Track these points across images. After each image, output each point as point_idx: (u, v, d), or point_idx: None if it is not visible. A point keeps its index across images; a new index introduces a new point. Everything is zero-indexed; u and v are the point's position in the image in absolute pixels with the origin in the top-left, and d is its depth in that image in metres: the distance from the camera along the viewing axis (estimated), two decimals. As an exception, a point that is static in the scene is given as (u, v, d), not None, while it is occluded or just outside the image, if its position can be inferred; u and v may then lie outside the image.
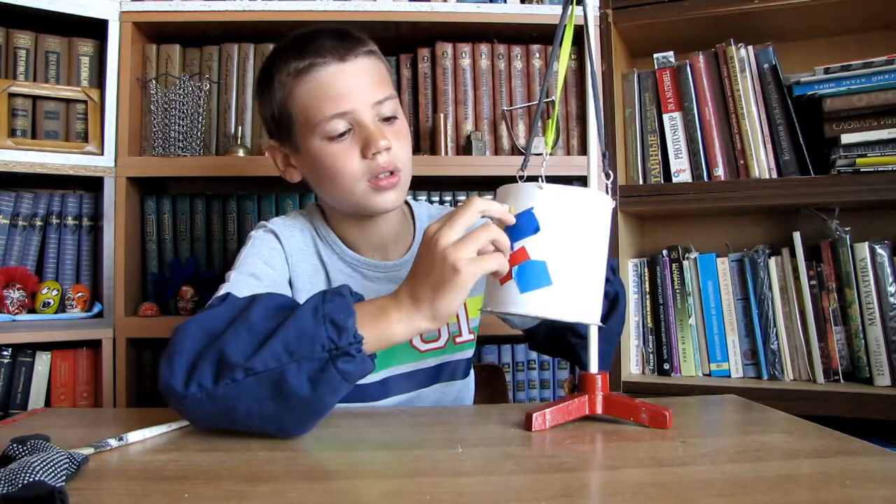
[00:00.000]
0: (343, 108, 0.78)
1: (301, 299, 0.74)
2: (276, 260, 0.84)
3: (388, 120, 0.82)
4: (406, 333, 0.63)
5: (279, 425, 0.62)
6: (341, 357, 0.59)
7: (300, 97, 0.80)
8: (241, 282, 0.77)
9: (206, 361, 0.60)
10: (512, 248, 0.62)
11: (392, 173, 0.81)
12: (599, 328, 0.72)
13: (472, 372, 1.01)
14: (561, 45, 0.67)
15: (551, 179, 0.63)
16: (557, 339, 0.92)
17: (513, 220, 0.63)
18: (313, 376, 0.59)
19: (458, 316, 0.93)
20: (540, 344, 0.99)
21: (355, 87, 0.79)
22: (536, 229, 0.62)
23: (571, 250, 0.62)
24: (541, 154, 1.32)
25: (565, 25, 0.68)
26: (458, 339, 0.93)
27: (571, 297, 0.62)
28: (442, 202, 1.35)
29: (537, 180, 0.63)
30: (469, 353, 0.96)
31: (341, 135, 0.79)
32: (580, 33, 0.71)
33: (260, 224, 0.88)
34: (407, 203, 0.96)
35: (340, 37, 0.81)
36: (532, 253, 0.61)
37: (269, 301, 0.66)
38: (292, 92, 0.80)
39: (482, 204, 0.63)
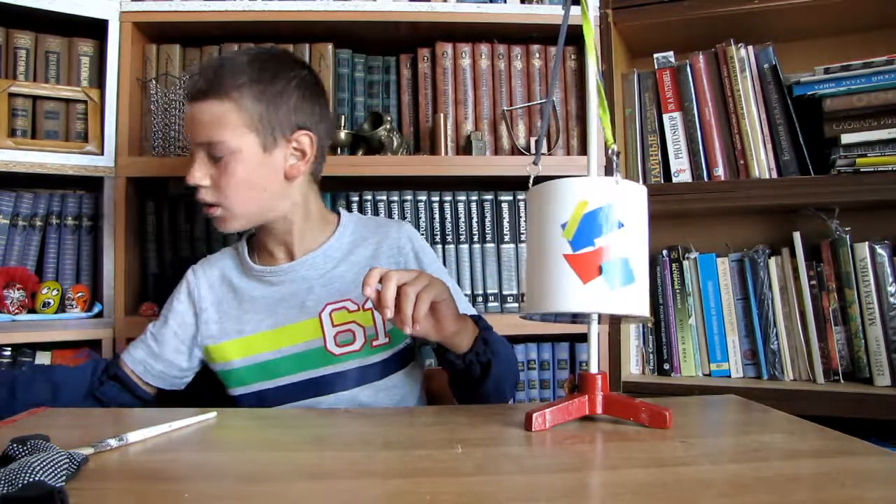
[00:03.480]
0: (189, 139, 0.94)
1: (207, 323, 0.97)
2: (175, 310, 0.99)
3: (217, 160, 0.91)
4: None
5: None
6: None
7: None
8: (135, 346, 0.98)
9: None
10: (591, 243, 0.61)
11: (211, 206, 0.93)
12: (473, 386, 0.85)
13: (408, 371, 0.98)
14: (586, 45, 0.67)
15: (549, 179, 0.63)
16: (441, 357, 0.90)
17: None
18: None
19: (373, 320, 0.94)
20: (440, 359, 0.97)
21: (194, 125, 0.91)
22: (620, 225, 0.61)
23: (643, 245, 0.63)
24: (545, 153, 1.32)
25: (571, 25, 0.68)
26: (375, 343, 0.95)
27: (645, 292, 0.63)
28: (442, 202, 1.35)
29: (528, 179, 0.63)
30: (387, 354, 0.95)
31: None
32: (579, 33, 0.71)
33: (190, 268, 1.02)
34: (338, 212, 1.04)
35: (204, 77, 0.91)
36: (618, 250, 0.61)
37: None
38: None
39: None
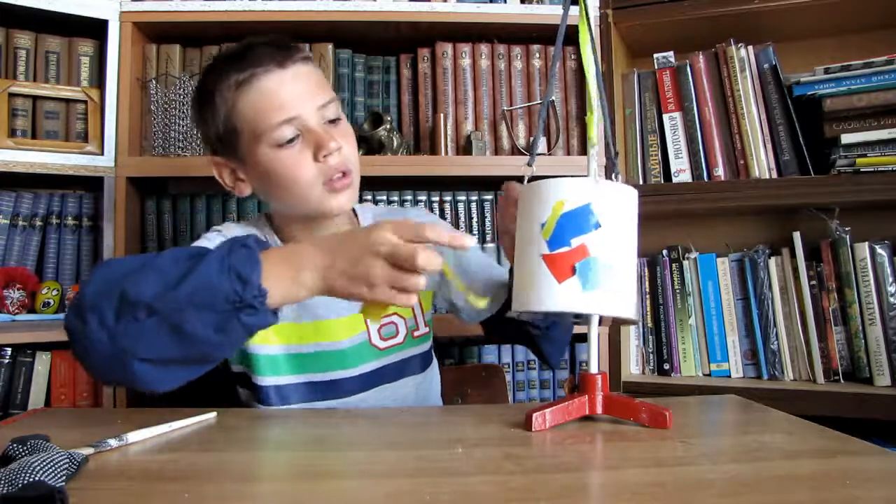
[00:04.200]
0: (290, 114, 0.79)
1: None
2: None
3: (332, 122, 0.83)
4: (307, 295, 0.62)
5: (172, 369, 0.63)
6: (244, 310, 0.59)
7: (244, 108, 0.80)
8: None
9: (109, 299, 0.59)
10: (567, 243, 0.61)
11: (344, 174, 0.82)
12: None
13: (434, 362, 1.02)
14: (589, 44, 0.67)
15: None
16: (514, 326, 0.89)
17: (468, 246, 0.62)
18: (216, 326, 0.59)
19: (414, 311, 0.95)
20: (495, 330, 1.00)
21: (299, 92, 0.80)
22: (597, 225, 0.62)
23: (626, 246, 0.63)
24: (545, 154, 1.32)
25: (571, 25, 0.68)
26: (416, 334, 0.95)
27: (627, 293, 0.63)
28: (442, 202, 1.35)
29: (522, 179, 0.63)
30: (426, 346, 0.97)
31: (290, 141, 0.80)
32: (578, 32, 0.71)
33: (213, 228, 0.89)
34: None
35: (276, 45, 0.82)
36: (593, 250, 0.61)
37: (180, 250, 0.64)
38: (235, 104, 0.81)
39: (445, 233, 0.61)
